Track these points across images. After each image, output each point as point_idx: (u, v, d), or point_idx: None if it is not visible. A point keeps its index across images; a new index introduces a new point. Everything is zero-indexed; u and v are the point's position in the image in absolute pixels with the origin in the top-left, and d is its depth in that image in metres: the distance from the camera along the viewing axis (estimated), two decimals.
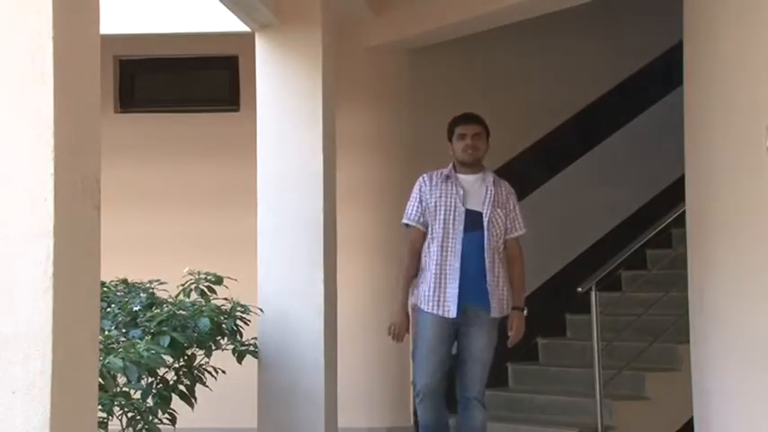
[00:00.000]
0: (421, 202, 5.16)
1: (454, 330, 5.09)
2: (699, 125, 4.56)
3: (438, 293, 5.02)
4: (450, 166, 5.23)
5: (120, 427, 4.10)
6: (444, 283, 5.01)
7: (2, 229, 2.41)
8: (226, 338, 4.88)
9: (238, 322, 4.91)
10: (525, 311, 5.20)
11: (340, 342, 5.57)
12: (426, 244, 5.12)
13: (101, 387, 3.47)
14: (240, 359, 4.98)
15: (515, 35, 7.05)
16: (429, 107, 7.07)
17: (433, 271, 5.04)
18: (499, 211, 5.14)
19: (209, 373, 4.70)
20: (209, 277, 4.93)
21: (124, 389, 3.96)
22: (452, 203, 5.09)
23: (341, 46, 6.19)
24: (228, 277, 4.93)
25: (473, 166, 5.20)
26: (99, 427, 3.16)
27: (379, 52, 6.92)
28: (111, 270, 4.35)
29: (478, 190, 5.16)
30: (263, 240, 5.32)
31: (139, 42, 7.09)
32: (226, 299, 4.93)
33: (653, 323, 6.51)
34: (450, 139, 5.27)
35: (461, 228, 5.05)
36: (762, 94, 3.69)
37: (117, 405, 3.92)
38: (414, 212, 5.18)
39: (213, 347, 4.74)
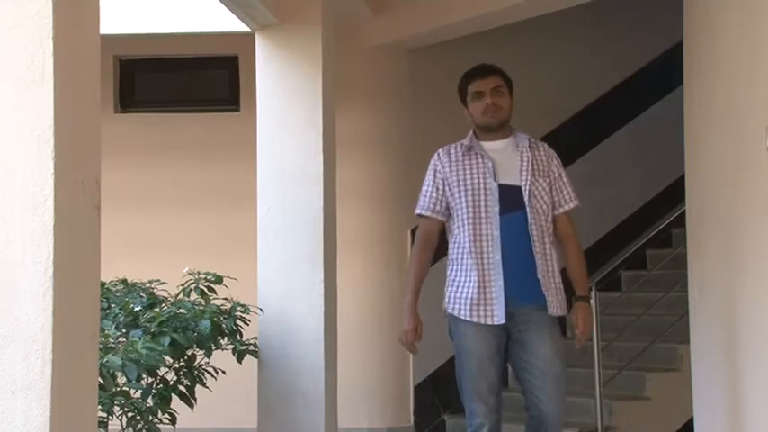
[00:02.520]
0: (436, 187, 4.18)
1: (505, 339, 4.09)
2: (699, 125, 4.56)
3: (478, 296, 4.03)
4: (471, 133, 4.24)
5: (120, 427, 4.10)
6: (485, 281, 4.03)
7: (2, 229, 2.41)
8: (226, 338, 4.88)
9: (238, 322, 4.91)
10: (592, 302, 4.31)
11: (340, 342, 5.57)
12: (454, 236, 4.16)
13: (101, 387, 3.47)
14: (240, 359, 4.98)
15: (515, 35, 7.05)
16: (429, 107, 7.07)
17: (469, 268, 4.05)
18: (541, 181, 4.13)
19: (209, 373, 4.70)
20: (208, 277, 4.93)
21: (124, 388, 3.97)
22: (480, 180, 4.10)
23: (341, 46, 6.19)
24: (228, 277, 4.93)
25: (499, 129, 4.20)
26: (99, 426, 3.15)
27: (378, 52, 6.93)
28: (111, 270, 4.35)
29: (511, 158, 4.15)
30: (263, 240, 5.32)
31: (139, 42, 7.10)
32: (226, 299, 4.93)
33: (653, 323, 6.51)
34: (464, 102, 4.29)
35: (496, 209, 4.06)
36: (762, 94, 3.69)
37: (117, 405, 3.92)
38: (427, 200, 4.20)
39: (213, 347, 4.74)
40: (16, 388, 2.37)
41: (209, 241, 6.90)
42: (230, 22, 5.54)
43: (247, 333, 5.07)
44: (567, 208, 4.21)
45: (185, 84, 7.46)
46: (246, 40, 5.65)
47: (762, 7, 3.70)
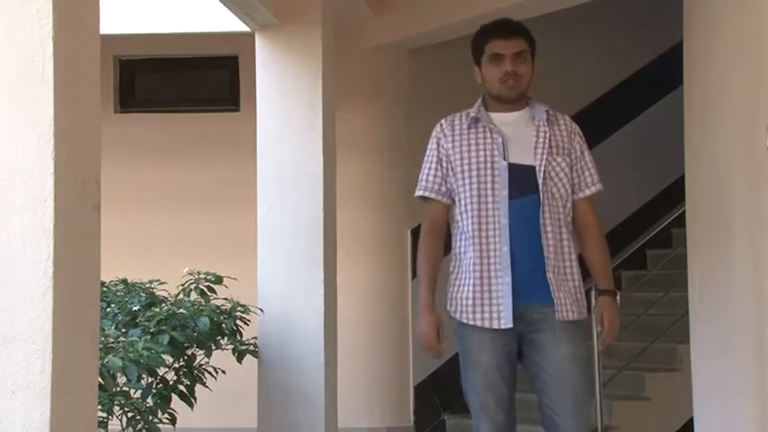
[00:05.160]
0: (440, 163, 3.56)
1: (516, 344, 3.51)
2: (699, 125, 4.56)
3: (481, 296, 3.45)
4: (479, 102, 3.62)
5: (120, 427, 4.11)
6: (489, 277, 3.45)
7: (2, 229, 2.41)
8: (226, 338, 4.88)
9: (238, 322, 4.91)
10: (618, 297, 3.60)
11: (340, 342, 5.57)
12: (457, 225, 3.56)
13: (101, 387, 3.47)
14: (240, 359, 4.98)
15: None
16: (429, 107, 7.06)
17: (471, 263, 3.47)
18: (560, 160, 3.52)
19: (209, 373, 4.70)
20: (208, 277, 4.93)
21: (124, 388, 3.97)
22: (488, 158, 3.49)
23: (341, 46, 6.19)
24: (228, 277, 4.93)
25: (515, 101, 3.58)
26: (99, 426, 3.16)
27: (379, 52, 6.93)
28: (111, 270, 4.35)
29: (525, 133, 3.53)
30: (263, 240, 5.32)
31: (139, 42, 7.10)
32: (226, 299, 4.94)
33: (653, 323, 6.51)
34: (477, 61, 3.64)
35: (505, 193, 3.45)
36: (762, 94, 3.69)
37: (117, 405, 3.92)
38: (430, 179, 3.58)
39: (213, 347, 4.74)
40: (16, 388, 2.37)
41: (209, 241, 6.90)
42: (230, 22, 5.54)
43: (247, 333, 5.07)
44: (588, 192, 3.57)
45: (185, 84, 7.46)
46: (246, 40, 5.65)
47: (761, 7, 3.70)
